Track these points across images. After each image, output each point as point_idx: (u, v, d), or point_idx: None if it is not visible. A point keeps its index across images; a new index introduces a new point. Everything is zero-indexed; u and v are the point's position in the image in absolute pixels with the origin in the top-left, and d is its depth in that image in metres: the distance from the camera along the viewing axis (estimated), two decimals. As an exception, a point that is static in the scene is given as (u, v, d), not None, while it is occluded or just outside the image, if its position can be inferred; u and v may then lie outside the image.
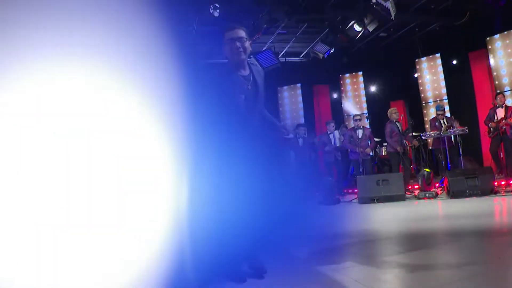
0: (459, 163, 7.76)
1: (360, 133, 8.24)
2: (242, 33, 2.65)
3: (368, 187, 7.22)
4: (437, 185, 7.87)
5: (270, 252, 2.74)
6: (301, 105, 11.30)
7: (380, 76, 11.61)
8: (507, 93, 8.68)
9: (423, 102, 10.64)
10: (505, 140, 7.61)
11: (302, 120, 11.23)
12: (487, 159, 8.80)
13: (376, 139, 10.11)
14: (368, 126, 9.41)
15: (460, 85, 9.88)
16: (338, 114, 11.35)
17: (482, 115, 8.91)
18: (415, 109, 11.14)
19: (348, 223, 5.44)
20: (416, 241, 3.61)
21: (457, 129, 7.71)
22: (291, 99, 11.36)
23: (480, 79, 9.20)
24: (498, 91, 7.97)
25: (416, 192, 7.35)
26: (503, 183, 7.30)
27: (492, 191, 6.44)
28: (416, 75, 10.72)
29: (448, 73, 10.12)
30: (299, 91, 11.24)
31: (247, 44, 2.66)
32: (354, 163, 8.34)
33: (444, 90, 10.21)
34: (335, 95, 11.68)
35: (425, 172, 7.10)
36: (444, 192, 7.03)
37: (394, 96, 11.53)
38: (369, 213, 6.16)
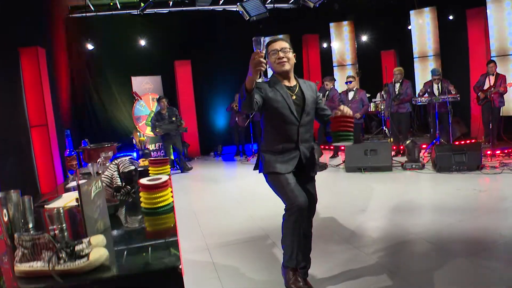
0: (448, 128, 7.67)
1: (351, 95, 7.92)
2: (285, 44, 2.70)
3: (355, 156, 7.11)
4: (425, 151, 7.83)
5: None
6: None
7: (372, 25, 11.04)
8: (502, 58, 8.39)
9: (416, 56, 10.25)
10: (493, 109, 7.48)
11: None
12: (475, 121, 8.72)
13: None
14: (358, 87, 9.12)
15: (454, 43, 9.49)
16: (327, 65, 10.90)
17: (474, 76, 8.66)
18: (406, 61, 10.75)
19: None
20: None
21: (449, 96, 7.49)
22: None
23: (476, 39, 8.79)
24: (490, 59, 7.66)
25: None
26: (489, 152, 7.31)
27: (478, 168, 6.41)
28: (409, 27, 10.21)
29: (443, 29, 9.65)
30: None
31: (290, 54, 2.71)
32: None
33: (437, 46, 9.81)
34: (325, 45, 11.12)
35: (410, 144, 6.98)
36: (431, 161, 7.00)
37: (385, 46, 11.08)
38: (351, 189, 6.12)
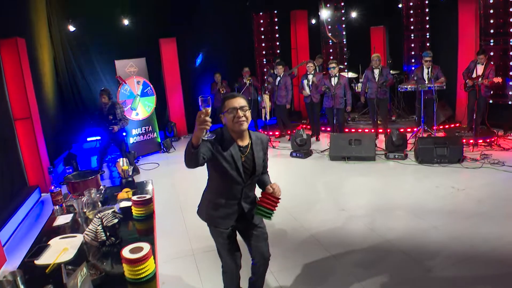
0: (432, 114, 7.77)
1: (334, 81, 7.90)
2: (244, 102, 2.58)
3: (340, 145, 7.22)
4: (409, 137, 7.95)
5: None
6: (276, 32, 10.57)
7: (362, 0, 10.79)
8: (490, 43, 8.35)
9: (405, 34, 10.15)
10: (480, 98, 7.54)
11: (277, 51, 10.65)
12: (461, 105, 8.80)
13: (351, 75, 9.83)
14: (345, 74, 9.08)
15: (444, 23, 9.37)
16: (316, 42, 10.75)
17: (462, 60, 8.66)
18: (396, 37, 10.65)
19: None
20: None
21: (435, 84, 7.53)
22: (267, 26, 10.54)
23: (466, 22, 8.68)
24: (480, 49, 7.61)
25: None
26: (471, 141, 7.47)
27: (459, 161, 6.58)
28: (400, 6, 10.04)
29: (434, 8, 9.50)
30: (275, 18, 10.38)
31: (248, 113, 2.59)
32: (328, 111, 8.17)
33: (427, 25, 9.71)
34: (313, 21, 10.89)
35: (395, 133, 7.08)
36: (414, 151, 7.13)
37: (375, 21, 10.88)
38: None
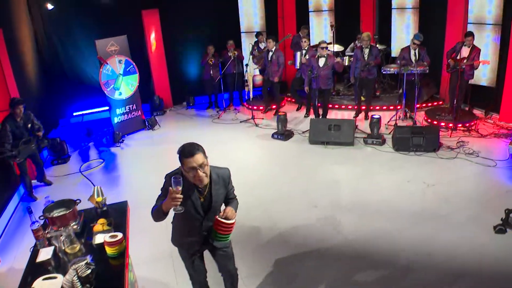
0: (414, 94, 7.77)
1: (322, 61, 7.82)
2: (201, 159, 2.63)
3: (319, 130, 7.34)
4: (389, 120, 8.04)
5: None
6: (262, 2, 10.22)
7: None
8: (478, 26, 8.18)
9: (394, 7, 9.90)
10: (462, 80, 7.54)
11: (262, 22, 10.36)
12: (445, 83, 8.78)
13: (337, 48, 9.70)
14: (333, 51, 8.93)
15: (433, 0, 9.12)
16: (304, 10, 10.44)
17: (449, 39, 8.53)
18: (384, 6, 10.37)
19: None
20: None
21: (418, 68, 7.51)
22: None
23: (455, 2, 8.44)
24: (469, 31, 7.47)
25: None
26: (450, 125, 7.59)
27: (435, 150, 6.74)
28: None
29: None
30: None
31: (207, 168, 2.71)
32: (312, 90, 8.16)
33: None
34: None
35: (375, 119, 7.18)
36: (391, 138, 7.26)
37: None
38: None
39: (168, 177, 2.83)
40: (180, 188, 2.51)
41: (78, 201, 3.70)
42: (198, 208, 2.84)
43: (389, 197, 5.52)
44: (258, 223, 5.09)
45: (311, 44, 9.36)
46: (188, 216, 2.86)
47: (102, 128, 8.90)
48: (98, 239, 3.31)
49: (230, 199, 3.07)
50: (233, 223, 2.79)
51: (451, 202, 5.31)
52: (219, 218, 2.78)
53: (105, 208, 3.64)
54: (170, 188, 2.54)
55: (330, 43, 9.38)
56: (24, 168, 6.13)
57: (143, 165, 7.23)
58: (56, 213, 3.64)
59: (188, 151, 2.60)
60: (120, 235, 3.26)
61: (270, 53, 8.63)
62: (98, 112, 9.76)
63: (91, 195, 3.63)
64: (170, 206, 2.58)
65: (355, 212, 5.22)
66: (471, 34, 7.30)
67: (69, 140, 8.51)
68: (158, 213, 2.72)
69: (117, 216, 3.63)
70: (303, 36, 8.77)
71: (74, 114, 9.73)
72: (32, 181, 6.52)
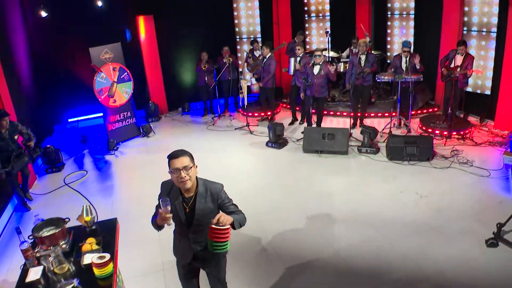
0: (408, 102, 7.78)
1: (317, 69, 7.79)
2: (187, 161, 2.70)
3: (313, 139, 7.33)
4: (384, 128, 8.03)
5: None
6: (257, 8, 10.21)
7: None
8: (473, 33, 8.18)
9: (389, 13, 9.89)
10: (456, 88, 7.53)
11: (258, 28, 10.34)
12: (440, 90, 8.77)
13: (332, 54, 9.68)
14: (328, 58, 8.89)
15: (429, 3, 9.10)
16: (299, 16, 10.43)
17: (444, 45, 8.52)
18: (380, 11, 10.37)
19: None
20: None
21: (412, 76, 7.50)
22: (247, 2, 10.14)
23: (450, 8, 8.42)
24: (461, 40, 7.47)
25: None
26: (445, 133, 7.59)
27: (429, 160, 6.74)
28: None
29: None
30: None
31: (192, 171, 2.75)
32: (306, 98, 8.13)
33: (412, 4, 9.44)
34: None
35: (369, 130, 7.17)
36: (385, 146, 7.25)
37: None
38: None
39: (163, 184, 2.96)
40: (169, 208, 2.63)
41: (67, 219, 3.69)
42: (183, 219, 2.89)
43: (382, 209, 5.51)
44: (249, 235, 5.08)
45: (306, 50, 9.37)
46: (178, 223, 2.95)
47: (97, 135, 8.89)
48: (87, 259, 3.31)
49: (230, 212, 2.97)
50: (227, 229, 2.69)
51: (443, 213, 5.31)
52: (212, 225, 2.72)
53: (94, 227, 3.63)
54: (160, 210, 2.66)
55: (325, 49, 9.38)
56: (15, 180, 6.11)
57: (137, 173, 7.22)
58: (45, 232, 3.65)
59: (174, 153, 2.74)
60: (107, 256, 3.25)
61: (264, 60, 8.63)
62: (93, 118, 9.74)
63: (79, 215, 3.62)
64: (162, 223, 2.74)
65: (347, 224, 5.21)
66: (463, 43, 7.29)
67: (64, 147, 8.51)
68: (155, 226, 2.90)
69: (106, 234, 3.62)
70: (297, 44, 8.75)
71: (69, 120, 9.71)
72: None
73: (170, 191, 2.88)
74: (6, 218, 5.93)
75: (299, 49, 8.50)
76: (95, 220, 3.66)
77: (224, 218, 2.67)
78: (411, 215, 5.33)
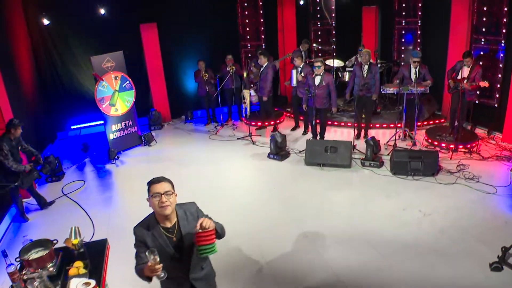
0: (414, 114, 7.64)
1: (318, 80, 7.65)
2: (168, 186, 2.66)
3: (316, 151, 7.19)
4: (389, 140, 7.87)
5: None
6: (261, 15, 10.10)
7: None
8: (481, 43, 8.00)
9: (396, 18, 9.73)
10: (463, 101, 7.35)
11: (262, 36, 10.24)
12: (447, 101, 8.60)
13: (337, 63, 9.54)
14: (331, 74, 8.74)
15: (437, 13, 8.91)
16: (304, 24, 10.31)
17: (452, 54, 8.35)
18: (389, 19, 10.19)
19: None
20: None
21: (418, 88, 7.33)
22: (251, 10, 10.05)
23: (458, 16, 8.23)
24: (467, 51, 7.27)
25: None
26: (451, 146, 7.41)
27: (433, 175, 6.57)
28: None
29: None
30: (260, 1, 9.86)
31: (173, 197, 2.69)
32: (309, 109, 7.99)
33: (419, 14, 9.27)
34: (301, 1, 10.31)
35: (372, 143, 7.01)
36: (389, 160, 7.08)
37: (367, 1, 10.35)
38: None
39: (137, 229, 2.77)
40: (157, 259, 2.46)
41: (55, 241, 3.62)
42: (171, 252, 2.74)
43: (383, 228, 5.35)
44: (246, 253, 4.97)
45: (311, 59, 9.24)
46: (167, 260, 2.72)
47: (98, 143, 8.85)
48: (72, 285, 3.22)
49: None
50: (211, 231, 2.65)
51: (447, 234, 5.14)
52: (196, 231, 2.65)
53: (82, 250, 3.54)
54: (148, 263, 2.46)
55: (328, 58, 9.26)
56: (17, 190, 6.08)
57: (136, 184, 7.08)
58: (33, 253, 3.58)
59: (155, 179, 2.70)
60: (93, 283, 3.17)
61: (262, 68, 8.53)
62: (96, 125, 9.71)
63: (67, 238, 3.53)
64: (151, 275, 2.55)
65: (347, 243, 5.07)
66: (469, 54, 7.10)
67: (65, 155, 8.50)
68: (143, 277, 2.65)
69: (94, 258, 3.53)
70: (296, 54, 8.59)
71: (72, 127, 9.69)
72: (24, 200, 6.48)
73: (148, 228, 2.74)
74: (4, 228, 5.89)
75: (296, 59, 8.37)
76: (83, 242, 3.57)
77: (207, 221, 2.63)
78: (413, 235, 5.16)
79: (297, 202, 6.19)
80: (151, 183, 2.68)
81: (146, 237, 2.72)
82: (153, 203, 2.67)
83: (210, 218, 2.81)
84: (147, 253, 2.45)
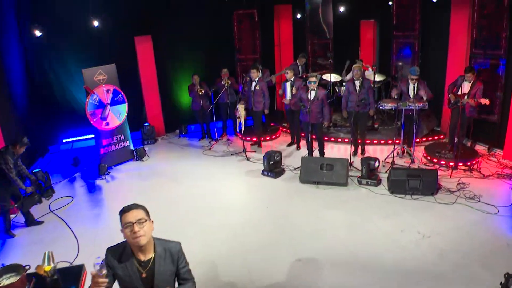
0: (413, 130, 7.44)
1: (312, 94, 7.46)
2: (140, 214, 2.48)
3: (311, 169, 6.98)
4: (387, 156, 7.68)
5: None
6: (258, 29, 9.96)
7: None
8: (481, 59, 7.85)
9: (394, 32, 9.60)
10: (463, 117, 7.16)
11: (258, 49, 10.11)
12: (446, 117, 8.42)
13: (334, 78, 9.39)
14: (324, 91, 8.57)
15: (436, 27, 8.80)
16: (300, 38, 10.19)
17: (451, 69, 8.21)
18: (387, 33, 10.08)
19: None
20: None
21: (417, 104, 7.15)
22: (248, 23, 9.92)
23: (457, 29, 8.11)
24: (469, 66, 7.12)
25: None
26: (451, 163, 7.20)
27: (433, 194, 6.34)
28: (390, 3, 9.43)
29: (426, 8, 8.89)
30: (257, 14, 9.74)
31: (147, 226, 2.48)
32: (304, 124, 7.80)
33: (417, 26, 9.14)
34: (298, 15, 10.22)
35: (371, 162, 6.80)
36: (387, 178, 6.86)
37: (365, 15, 10.26)
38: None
39: (110, 250, 2.61)
40: (104, 272, 2.26)
41: (27, 267, 3.41)
42: (139, 286, 2.54)
43: (380, 251, 5.10)
44: (234, 275, 4.72)
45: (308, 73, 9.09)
46: None
47: (90, 157, 8.65)
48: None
49: (183, 279, 2.70)
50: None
51: (446, 257, 4.89)
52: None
53: (55, 277, 3.31)
54: (92, 271, 2.27)
55: (325, 73, 9.12)
56: (7, 205, 5.86)
57: (126, 201, 6.85)
58: (4, 279, 3.37)
59: (127, 207, 2.53)
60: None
61: (254, 83, 8.36)
62: (88, 139, 9.52)
63: (38, 265, 3.31)
64: None
65: (343, 268, 4.81)
66: (471, 70, 6.94)
67: (55, 169, 8.30)
68: None
69: (69, 286, 3.31)
70: (288, 69, 8.44)
71: (64, 141, 9.50)
72: (12, 216, 6.26)
73: (121, 256, 2.55)
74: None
75: (288, 73, 8.24)
76: (56, 269, 3.35)
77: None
78: (411, 259, 4.90)
79: (291, 221, 5.94)
80: (122, 212, 2.52)
81: (116, 266, 2.54)
82: (125, 234, 2.48)
83: (189, 272, 2.70)
84: (95, 263, 2.25)
